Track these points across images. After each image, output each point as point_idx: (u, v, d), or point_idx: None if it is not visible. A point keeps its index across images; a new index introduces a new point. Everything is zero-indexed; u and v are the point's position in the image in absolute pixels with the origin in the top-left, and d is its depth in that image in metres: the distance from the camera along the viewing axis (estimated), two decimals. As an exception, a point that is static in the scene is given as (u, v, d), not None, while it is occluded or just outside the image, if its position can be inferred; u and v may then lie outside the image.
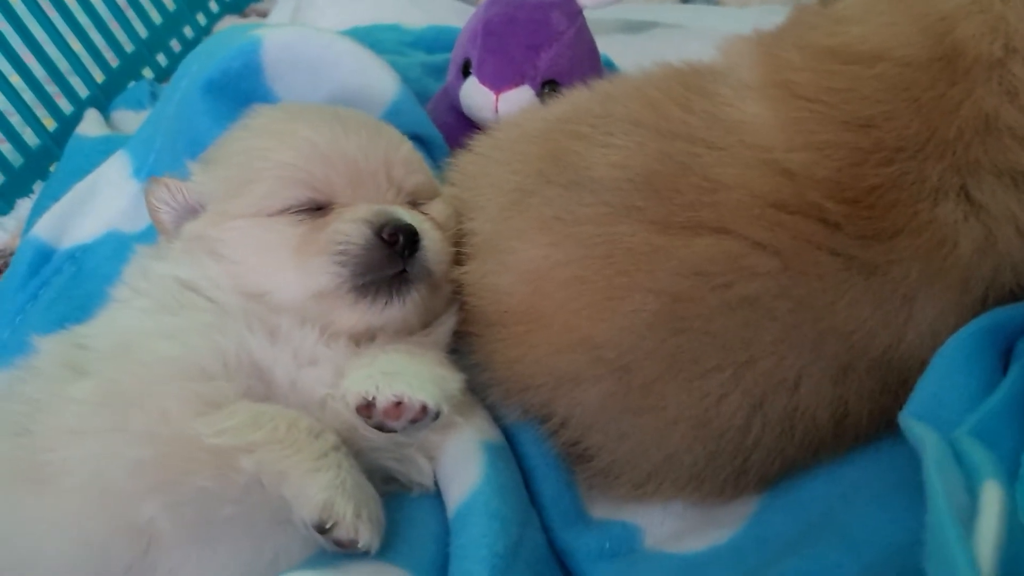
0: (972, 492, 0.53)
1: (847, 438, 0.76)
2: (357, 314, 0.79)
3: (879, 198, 0.72)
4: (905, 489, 0.69)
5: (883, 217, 0.72)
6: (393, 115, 1.06)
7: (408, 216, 0.81)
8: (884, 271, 0.72)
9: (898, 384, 0.73)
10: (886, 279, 0.72)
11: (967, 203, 0.71)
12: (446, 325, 0.86)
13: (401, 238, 0.79)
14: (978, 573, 0.45)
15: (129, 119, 1.44)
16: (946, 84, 0.72)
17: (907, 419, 0.64)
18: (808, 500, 0.77)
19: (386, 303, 0.79)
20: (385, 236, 0.78)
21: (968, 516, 0.51)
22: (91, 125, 1.39)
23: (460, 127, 1.13)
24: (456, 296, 0.86)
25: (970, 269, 0.71)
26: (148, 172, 1.11)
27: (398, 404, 0.72)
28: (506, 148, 0.92)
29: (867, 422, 0.75)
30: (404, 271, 0.80)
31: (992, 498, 0.50)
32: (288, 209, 0.81)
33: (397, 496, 0.79)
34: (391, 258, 0.79)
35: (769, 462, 0.76)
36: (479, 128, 1.03)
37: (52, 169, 1.36)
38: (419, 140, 1.07)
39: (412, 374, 0.74)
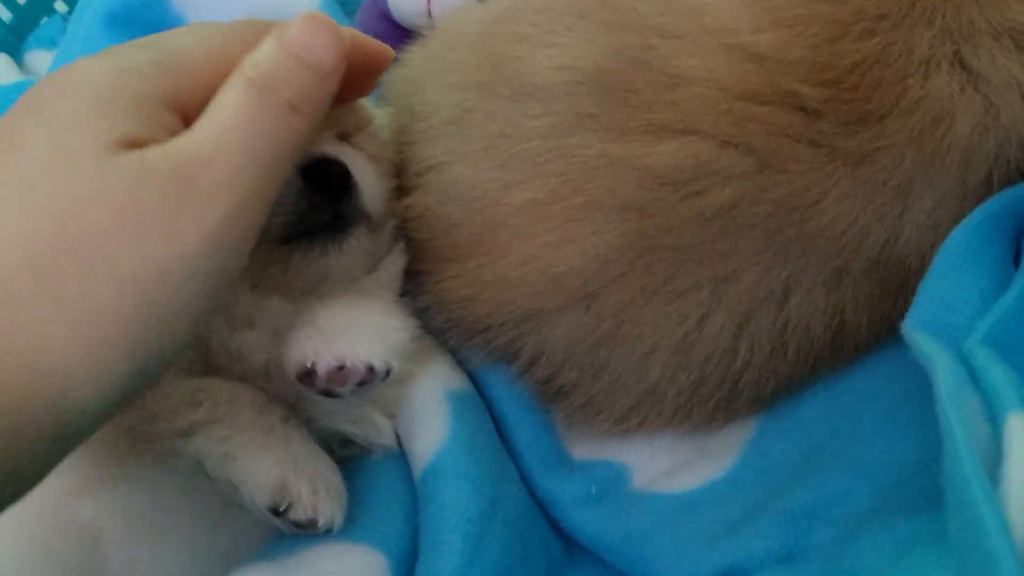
0: (993, 421, 0.46)
1: (846, 350, 0.69)
2: (292, 267, 0.71)
3: (862, 76, 0.63)
4: (913, 401, 0.63)
5: (868, 98, 0.63)
6: (316, 31, 0.96)
7: (336, 152, 0.72)
8: (873, 160, 0.64)
9: (898, 285, 0.66)
10: (876, 168, 0.64)
11: (963, 72, 0.63)
12: (394, 266, 0.78)
13: (332, 179, 0.70)
14: (1011, 540, 0.38)
15: (44, 60, 1.33)
16: (930, -65, 0.63)
17: (912, 331, 0.56)
18: (809, 420, 0.70)
19: (320, 253, 0.70)
20: (312, 178, 0.69)
21: (989, 453, 0.44)
22: (2, 72, 1.28)
23: (393, 37, 1.02)
24: (401, 232, 0.78)
25: (971, 148, 0.63)
26: (61, 121, 1.02)
27: (341, 368, 0.65)
28: (441, 58, 0.82)
29: (867, 330, 0.68)
30: (338, 216, 0.71)
31: (1020, 436, 0.42)
32: None
33: (357, 461, 0.73)
34: (323, 202, 0.70)
35: (762, 384, 0.70)
36: (414, 35, 0.93)
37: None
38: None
39: (355, 330, 0.67)
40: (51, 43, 1.35)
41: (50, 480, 0.62)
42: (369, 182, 0.73)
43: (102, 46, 0.92)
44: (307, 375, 0.65)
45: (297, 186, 0.69)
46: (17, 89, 1.20)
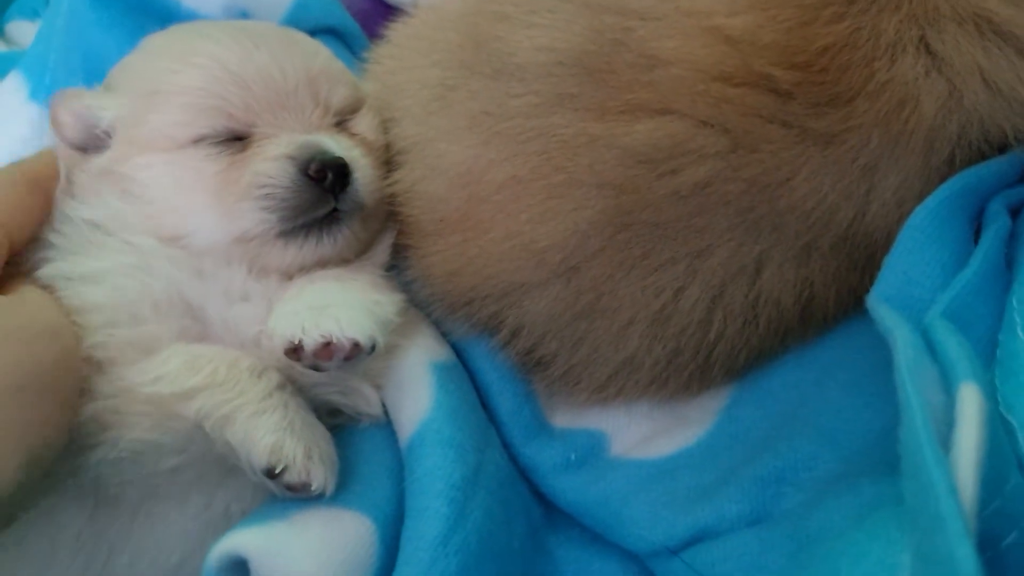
0: (948, 392, 0.49)
1: (815, 322, 0.72)
2: (288, 256, 0.73)
3: (832, 60, 0.65)
4: (878, 372, 0.65)
5: (837, 81, 0.65)
6: (301, 8, 0.98)
7: (335, 145, 0.74)
8: (841, 140, 0.66)
9: (865, 260, 0.69)
10: (844, 148, 0.66)
11: (928, 56, 0.65)
12: (384, 242, 0.80)
13: (330, 175, 0.72)
14: (959, 503, 0.41)
15: (26, 30, 1.32)
16: (897, -77, 0.64)
17: (876, 304, 0.59)
18: (780, 389, 0.73)
19: (317, 243, 0.73)
20: (312, 173, 0.72)
21: (944, 421, 0.47)
22: (-16, 43, 1.28)
23: (379, 13, 1.04)
24: (390, 209, 0.79)
25: (934, 129, 0.65)
26: (46, 94, 1.02)
27: (328, 344, 0.67)
28: (425, 36, 0.83)
29: (835, 303, 0.71)
30: (335, 209, 0.73)
31: (970, 406, 0.45)
32: (202, 139, 0.73)
33: (346, 430, 0.75)
34: (321, 197, 0.72)
35: (734, 354, 0.72)
36: (399, 12, 0.94)
37: (-49, 96, 1.25)
38: (334, 33, 0.99)
39: (342, 306, 0.69)
40: (34, 13, 1.34)
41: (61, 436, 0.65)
42: (366, 174, 0.75)
43: (86, 17, 0.95)
44: (294, 351, 0.68)
45: (298, 182, 0.72)
46: (1, 60, 1.20)
